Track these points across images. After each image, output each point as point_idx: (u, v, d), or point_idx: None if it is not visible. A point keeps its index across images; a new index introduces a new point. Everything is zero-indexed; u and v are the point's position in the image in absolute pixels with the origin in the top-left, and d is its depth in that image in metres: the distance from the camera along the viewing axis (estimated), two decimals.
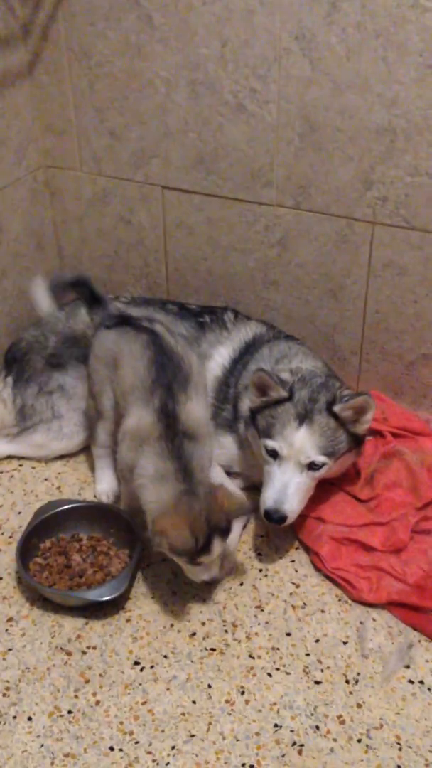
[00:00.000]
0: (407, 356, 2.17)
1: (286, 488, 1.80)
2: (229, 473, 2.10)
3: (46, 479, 2.20)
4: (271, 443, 1.82)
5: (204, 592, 1.83)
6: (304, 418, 1.81)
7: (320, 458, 1.80)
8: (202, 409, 1.85)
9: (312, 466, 1.81)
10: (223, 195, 2.19)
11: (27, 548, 1.88)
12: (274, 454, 1.83)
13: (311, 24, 1.84)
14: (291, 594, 1.85)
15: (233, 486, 2.04)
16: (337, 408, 1.82)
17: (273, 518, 1.80)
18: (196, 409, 1.79)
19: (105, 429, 2.05)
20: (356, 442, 1.88)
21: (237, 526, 1.96)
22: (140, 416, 1.78)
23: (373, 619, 1.78)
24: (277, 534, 1.98)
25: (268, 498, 1.81)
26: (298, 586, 1.86)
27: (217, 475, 2.01)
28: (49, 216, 2.49)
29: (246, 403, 1.98)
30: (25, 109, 2.28)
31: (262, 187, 2.12)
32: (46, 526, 1.94)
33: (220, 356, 2.13)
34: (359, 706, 1.60)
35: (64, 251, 2.55)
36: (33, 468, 2.23)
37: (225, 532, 1.70)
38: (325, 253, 2.15)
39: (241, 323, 2.20)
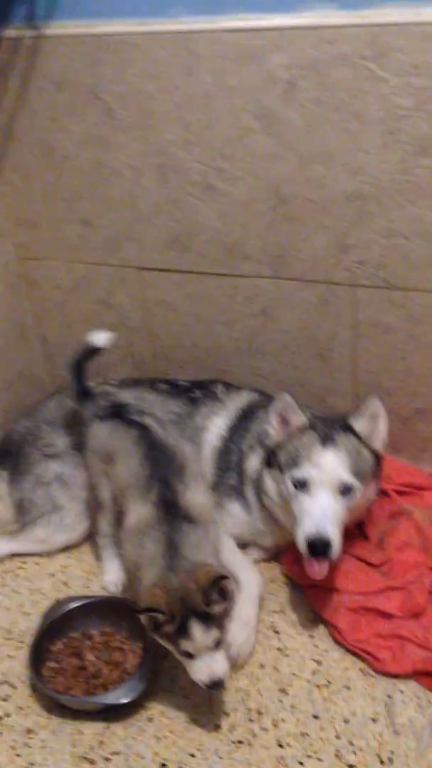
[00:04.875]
0: (402, 412, 2.17)
1: (325, 513, 1.74)
2: (244, 546, 2.07)
3: (51, 575, 2.16)
4: (299, 473, 1.80)
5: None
6: (327, 439, 1.82)
7: (351, 479, 1.79)
8: (203, 495, 1.82)
9: (344, 491, 1.78)
10: (200, 271, 2.21)
11: (38, 653, 1.84)
12: (303, 484, 1.79)
13: (270, 103, 1.87)
14: (314, 673, 1.80)
15: (242, 559, 2.01)
16: (351, 420, 1.86)
17: (317, 546, 1.72)
18: (196, 497, 1.77)
19: (106, 518, 2.03)
20: (376, 462, 1.89)
21: (248, 607, 1.90)
22: (139, 513, 1.75)
23: (401, 691, 1.73)
24: (294, 608, 1.95)
25: (308, 526, 1.74)
26: (320, 663, 1.82)
27: (229, 550, 1.98)
28: (28, 306, 2.49)
29: (252, 462, 2.01)
30: None
31: (238, 260, 2.14)
32: (55, 628, 1.90)
33: (216, 426, 2.13)
34: None
35: (47, 339, 2.55)
36: (37, 564, 2.19)
37: (208, 617, 1.57)
38: (309, 318, 2.16)
39: (233, 392, 2.22)
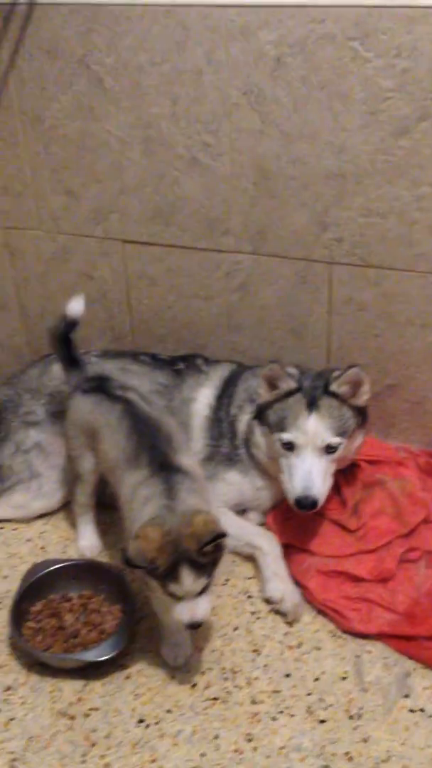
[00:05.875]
0: (373, 388, 2.21)
1: (310, 474, 1.89)
2: (242, 512, 2.13)
3: (28, 540, 2.19)
4: (286, 435, 1.92)
5: (200, 640, 1.84)
6: (312, 405, 1.92)
7: (335, 439, 1.92)
8: (192, 461, 1.86)
9: (328, 449, 1.91)
10: (182, 245, 2.24)
11: (18, 613, 1.87)
12: (290, 446, 1.92)
13: (258, 80, 1.91)
14: (285, 634, 1.87)
15: (249, 526, 2.09)
16: (333, 387, 1.95)
17: (304, 505, 1.87)
18: (186, 460, 1.79)
19: (84, 491, 2.06)
20: (361, 416, 2.00)
21: (279, 563, 1.96)
22: (133, 478, 1.75)
23: (369, 652, 1.81)
24: None
25: (295, 487, 1.89)
26: (291, 625, 1.89)
27: (234, 524, 2.03)
28: (10, 276, 2.50)
29: (244, 421, 2.10)
30: None
31: (220, 235, 2.18)
32: (35, 589, 1.93)
33: (204, 397, 2.18)
34: (365, 741, 1.62)
35: (27, 310, 2.56)
36: (14, 530, 2.22)
37: (199, 565, 1.57)
38: (286, 295, 2.21)
39: (213, 364, 2.27)
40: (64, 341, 2.07)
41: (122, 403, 1.90)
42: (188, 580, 1.58)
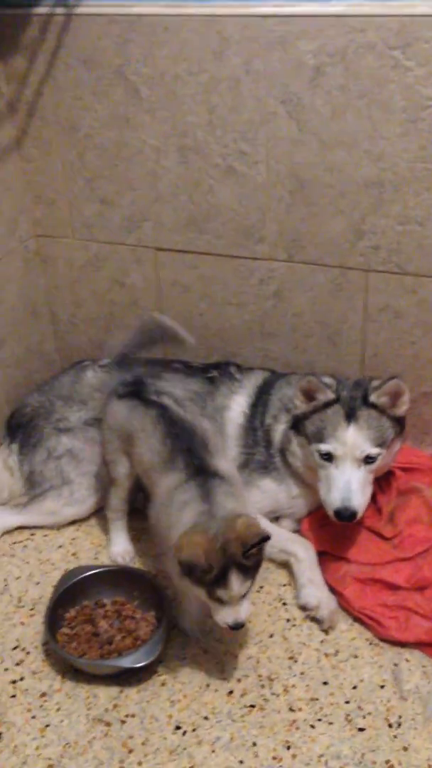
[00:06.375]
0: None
1: (350, 485, 1.88)
2: (275, 520, 2.13)
3: (60, 546, 2.19)
4: (325, 447, 1.92)
5: (235, 647, 1.84)
6: (350, 416, 1.92)
7: (374, 450, 1.91)
8: (229, 464, 1.86)
9: (367, 460, 1.91)
10: (216, 252, 2.25)
11: (52, 619, 1.87)
12: (328, 457, 1.92)
13: (297, 89, 1.92)
14: (322, 642, 1.86)
15: (284, 533, 2.08)
16: (372, 398, 1.94)
17: (344, 516, 1.87)
18: (223, 463, 1.80)
19: (118, 495, 2.07)
20: (399, 426, 1.99)
21: (315, 570, 1.96)
22: (168, 480, 1.76)
23: (407, 660, 1.79)
24: None
25: (335, 499, 1.89)
26: (327, 633, 1.88)
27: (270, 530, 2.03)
28: (42, 283, 2.52)
29: (279, 431, 2.10)
30: (14, 182, 2.32)
31: (254, 243, 2.19)
32: (68, 595, 1.93)
33: (238, 405, 2.18)
34: (405, 749, 1.61)
35: (57, 317, 2.58)
36: (45, 536, 2.22)
37: (245, 569, 1.59)
38: (321, 302, 2.21)
39: (247, 372, 2.27)
40: (141, 340, 2.08)
41: (157, 408, 1.90)
42: (236, 584, 1.59)
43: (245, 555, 1.58)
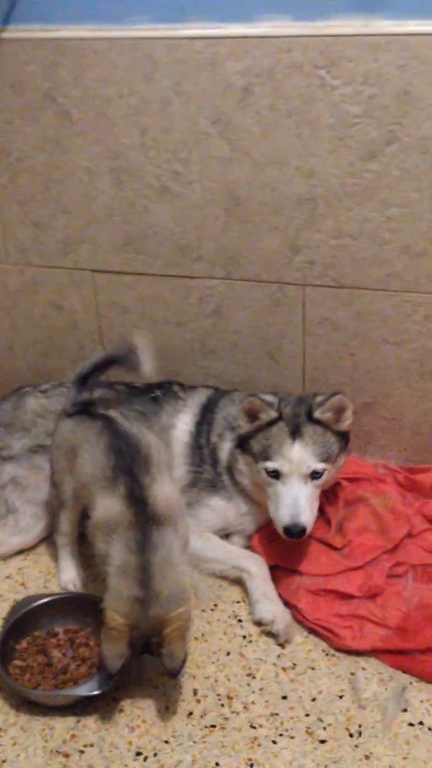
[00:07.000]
0: None
1: (298, 501, 1.90)
2: (226, 537, 2.12)
3: (8, 577, 2.13)
4: (271, 464, 1.93)
5: (193, 667, 1.82)
6: (295, 433, 1.93)
7: (320, 465, 1.93)
8: (170, 487, 1.84)
9: (314, 475, 1.92)
10: (153, 272, 2.26)
11: (4, 652, 1.82)
12: (275, 474, 1.92)
13: (226, 109, 1.95)
14: (279, 656, 1.86)
15: (235, 549, 2.07)
16: (317, 414, 1.96)
17: (293, 533, 1.88)
18: (163, 490, 1.78)
19: (67, 518, 2.03)
20: (344, 440, 2.02)
21: (268, 585, 1.96)
22: (106, 506, 1.75)
23: (363, 668, 1.81)
24: None
25: (284, 515, 1.89)
26: (284, 647, 1.88)
27: (218, 547, 2.05)
28: None
29: (225, 450, 2.10)
30: None
31: (192, 261, 2.20)
32: (19, 627, 1.88)
33: (183, 423, 2.18)
34: (367, 758, 1.61)
35: None
36: None
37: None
38: (260, 318, 2.23)
39: (190, 390, 2.27)
40: (102, 364, 2.02)
41: (102, 420, 1.90)
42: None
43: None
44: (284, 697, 1.76)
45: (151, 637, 1.66)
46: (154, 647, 1.67)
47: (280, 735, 1.67)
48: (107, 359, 2.04)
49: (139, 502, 1.74)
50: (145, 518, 1.72)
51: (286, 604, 1.93)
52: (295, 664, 1.83)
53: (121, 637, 1.64)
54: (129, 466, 1.79)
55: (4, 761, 1.65)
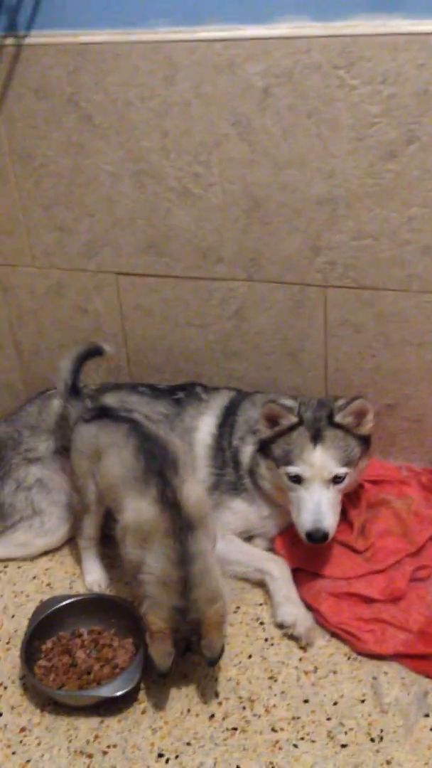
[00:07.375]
0: None
1: (320, 506, 1.90)
2: (249, 540, 2.13)
3: (34, 577, 2.17)
4: (293, 469, 1.92)
5: (215, 670, 1.82)
6: (316, 437, 1.92)
7: (342, 470, 1.92)
8: (198, 487, 1.86)
9: (336, 480, 1.91)
10: (176, 275, 2.26)
11: (29, 652, 1.85)
12: (297, 479, 1.92)
13: (246, 110, 1.95)
14: (301, 659, 1.85)
15: (258, 551, 2.08)
16: (338, 418, 1.95)
17: (316, 538, 1.88)
18: (193, 490, 1.80)
19: (91, 522, 2.05)
20: (365, 443, 2.00)
21: (290, 588, 1.96)
22: (139, 509, 1.76)
23: (385, 673, 1.80)
24: None
25: (306, 521, 1.89)
26: (305, 650, 1.87)
27: (242, 550, 2.06)
28: (4, 313, 2.50)
29: (247, 453, 2.10)
30: None
31: (213, 263, 2.20)
32: (44, 627, 1.91)
33: (206, 425, 2.18)
34: (389, 762, 1.61)
35: (21, 346, 2.56)
36: (19, 567, 2.20)
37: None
38: (282, 319, 2.22)
39: (213, 392, 2.27)
40: (78, 364, 2.08)
41: (128, 423, 1.91)
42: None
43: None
44: (306, 701, 1.76)
45: (191, 636, 1.70)
46: (194, 645, 1.71)
47: (302, 739, 1.67)
48: (79, 357, 2.10)
49: (172, 506, 1.75)
50: (180, 525, 1.73)
51: (308, 607, 1.93)
52: (316, 668, 1.83)
53: (165, 638, 1.67)
54: (159, 467, 1.80)
55: (28, 761, 1.68)
